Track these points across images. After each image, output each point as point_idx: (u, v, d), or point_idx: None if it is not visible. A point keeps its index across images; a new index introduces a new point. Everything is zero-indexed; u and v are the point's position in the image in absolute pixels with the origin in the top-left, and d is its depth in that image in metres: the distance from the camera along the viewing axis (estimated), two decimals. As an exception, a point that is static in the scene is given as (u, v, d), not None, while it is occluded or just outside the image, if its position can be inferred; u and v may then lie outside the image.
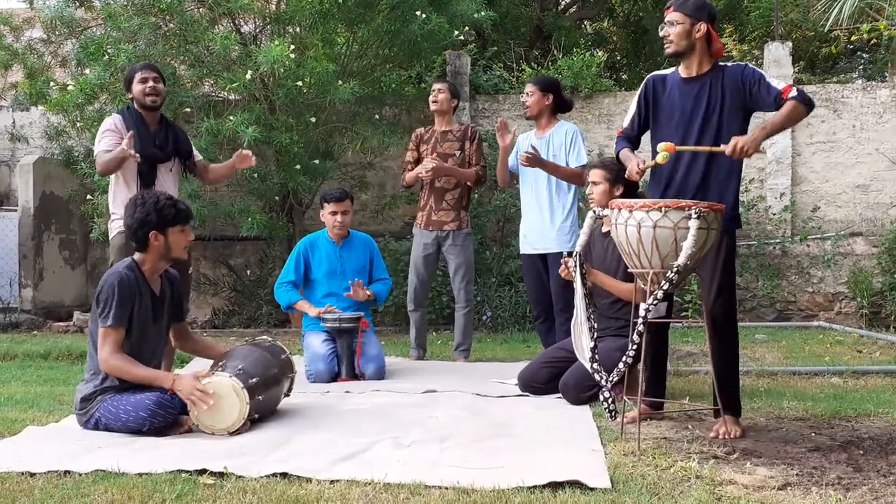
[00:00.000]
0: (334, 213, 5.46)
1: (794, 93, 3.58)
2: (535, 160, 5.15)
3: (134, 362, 3.68)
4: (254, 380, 3.72)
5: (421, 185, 5.98)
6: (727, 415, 3.67)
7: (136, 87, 4.73)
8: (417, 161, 5.92)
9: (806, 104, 3.57)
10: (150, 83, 4.74)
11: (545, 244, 5.36)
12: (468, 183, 5.88)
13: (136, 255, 3.84)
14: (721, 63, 3.79)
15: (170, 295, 3.96)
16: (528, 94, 5.44)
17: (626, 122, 4.02)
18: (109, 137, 4.67)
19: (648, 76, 3.98)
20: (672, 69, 3.92)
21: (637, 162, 3.77)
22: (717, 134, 3.70)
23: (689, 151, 3.72)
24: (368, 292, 5.45)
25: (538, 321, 5.57)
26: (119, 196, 4.70)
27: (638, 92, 3.98)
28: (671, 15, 3.76)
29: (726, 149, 3.53)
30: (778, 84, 3.64)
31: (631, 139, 4.00)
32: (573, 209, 5.39)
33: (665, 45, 3.80)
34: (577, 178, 5.26)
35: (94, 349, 3.74)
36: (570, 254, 4.05)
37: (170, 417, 3.63)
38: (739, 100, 3.70)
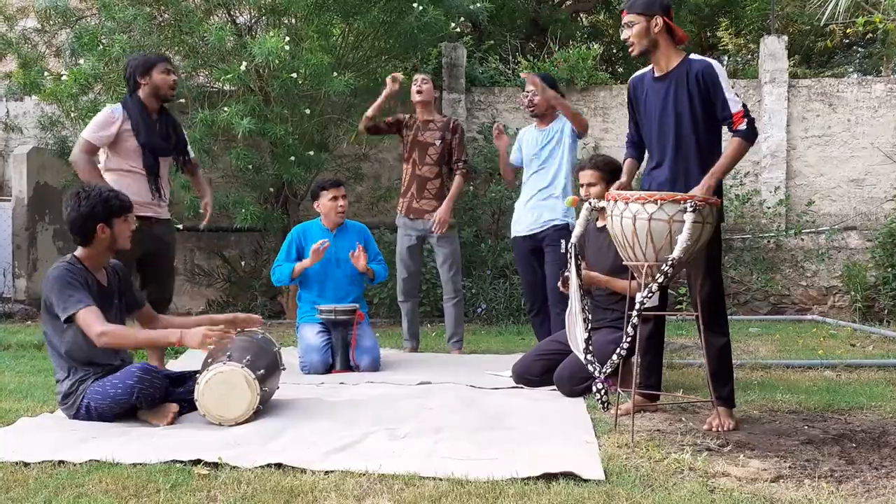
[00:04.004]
0: (335, 199, 5.46)
1: (743, 125, 3.62)
2: (543, 91, 5.24)
3: (129, 328, 3.65)
4: (261, 371, 3.75)
5: (404, 167, 5.99)
6: (721, 406, 3.69)
7: (160, 77, 4.72)
8: (393, 123, 5.98)
9: (750, 140, 3.65)
10: (174, 76, 4.81)
11: (538, 223, 5.41)
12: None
13: (78, 251, 3.81)
14: (691, 57, 3.77)
15: (118, 285, 3.93)
16: (535, 92, 5.44)
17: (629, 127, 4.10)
18: (105, 129, 4.63)
19: (630, 78, 4.02)
20: (650, 66, 3.93)
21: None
22: (689, 133, 3.72)
23: (663, 151, 3.76)
24: (369, 269, 5.44)
25: (531, 314, 5.64)
26: (129, 189, 4.66)
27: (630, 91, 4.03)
28: (626, 17, 3.79)
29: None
30: (733, 103, 3.65)
31: (635, 142, 4.06)
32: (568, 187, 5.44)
33: (629, 49, 3.83)
34: (576, 119, 5.33)
35: (56, 349, 3.73)
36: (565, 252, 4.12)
37: (157, 383, 3.62)
38: (702, 98, 3.70)
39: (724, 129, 3.75)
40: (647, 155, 4.01)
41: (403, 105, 6.17)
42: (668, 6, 3.79)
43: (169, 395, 3.76)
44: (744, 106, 3.67)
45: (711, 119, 3.73)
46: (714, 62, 3.75)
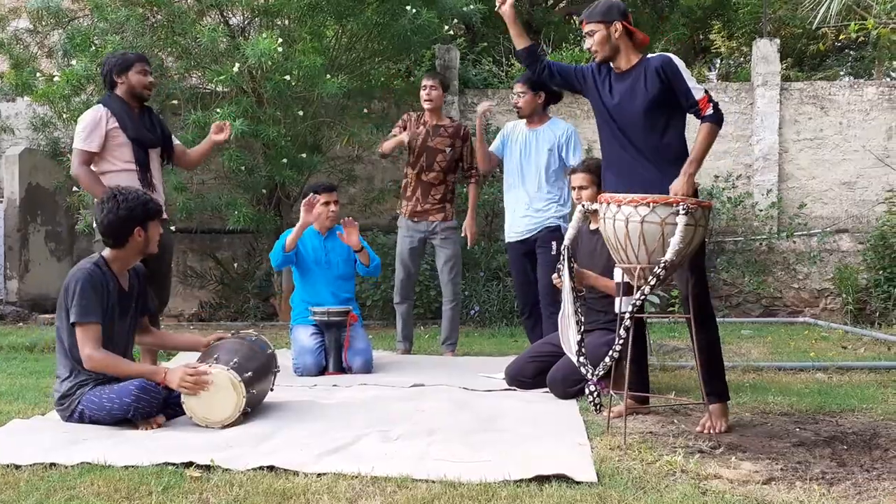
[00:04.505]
0: (327, 204, 5.46)
1: (709, 110, 3.68)
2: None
3: (119, 358, 3.66)
4: (248, 373, 3.73)
5: (409, 172, 5.95)
6: (714, 404, 3.69)
7: (135, 77, 4.70)
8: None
9: (719, 123, 3.71)
10: (150, 77, 4.79)
11: (531, 227, 5.40)
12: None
13: (106, 252, 3.79)
14: (648, 56, 3.83)
15: (137, 289, 3.93)
16: (519, 94, 5.42)
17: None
18: (94, 132, 4.60)
19: (595, 62, 3.99)
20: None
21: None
22: (650, 125, 3.74)
23: (633, 156, 3.78)
24: (362, 248, 5.42)
25: (523, 317, 5.65)
26: (113, 181, 4.67)
27: (587, 65, 4.05)
28: (586, 28, 3.84)
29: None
30: (696, 91, 3.70)
31: (546, 60, 4.08)
32: (564, 192, 5.41)
33: (594, 58, 3.87)
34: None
35: (64, 347, 3.71)
36: (557, 253, 4.12)
37: (154, 402, 3.61)
38: (664, 92, 3.73)
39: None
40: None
41: (413, 107, 6.15)
42: (626, 11, 3.85)
43: (168, 400, 3.74)
44: (706, 91, 3.73)
45: (673, 112, 3.77)
46: (671, 55, 3.81)
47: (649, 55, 3.84)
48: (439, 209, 5.88)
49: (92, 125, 4.62)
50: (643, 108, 3.74)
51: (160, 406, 3.66)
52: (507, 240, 5.63)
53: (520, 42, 4.08)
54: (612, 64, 3.88)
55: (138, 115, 4.75)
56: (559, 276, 4.06)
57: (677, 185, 3.60)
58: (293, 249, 5.35)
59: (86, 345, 3.61)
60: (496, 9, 4.12)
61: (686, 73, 3.73)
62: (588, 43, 3.85)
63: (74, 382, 3.67)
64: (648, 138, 3.76)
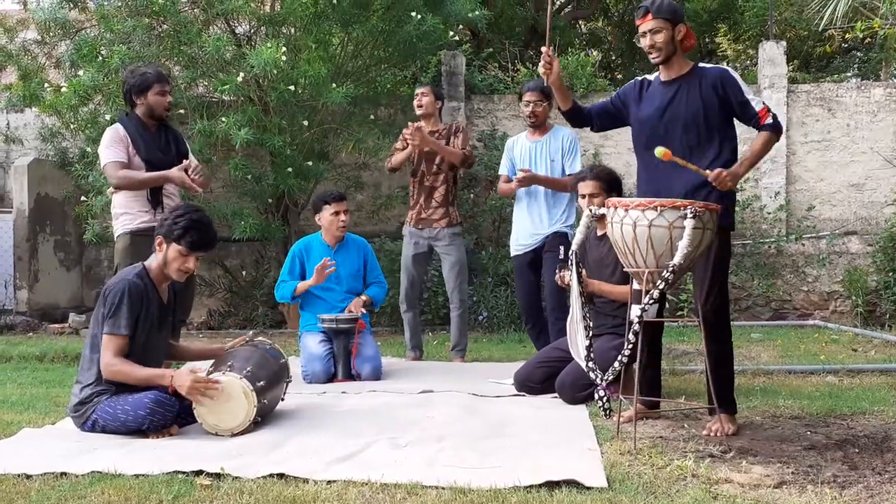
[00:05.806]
0: (337, 214, 5.47)
1: (769, 119, 3.68)
2: (529, 179, 5.28)
3: (134, 365, 3.67)
4: (261, 382, 3.73)
5: (411, 181, 5.98)
6: (722, 412, 3.68)
7: (155, 98, 4.73)
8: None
9: (777, 133, 3.70)
10: (169, 97, 4.80)
11: (538, 236, 5.43)
12: (454, 162, 5.80)
13: (148, 261, 3.85)
14: (701, 65, 3.82)
15: (174, 303, 3.98)
16: (536, 102, 5.43)
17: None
18: (118, 147, 4.66)
19: (637, 78, 4.01)
20: (656, 73, 3.93)
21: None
22: (699, 136, 3.72)
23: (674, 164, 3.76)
24: (364, 298, 5.46)
25: (528, 326, 5.69)
26: (124, 197, 4.70)
27: (622, 88, 4.05)
28: (651, 23, 3.72)
29: (710, 175, 3.58)
30: (756, 103, 3.71)
31: (594, 109, 4.11)
32: (571, 203, 5.42)
33: (652, 55, 3.77)
34: (564, 187, 5.31)
35: (94, 353, 3.71)
36: (565, 256, 4.11)
37: (169, 415, 3.62)
38: (719, 104, 3.72)
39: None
40: (642, 160, 3.98)
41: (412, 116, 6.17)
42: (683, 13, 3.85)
43: (180, 409, 3.73)
44: (765, 103, 3.74)
45: (721, 122, 3.75)
46: (728, 67, 3.81)
47: (703, 65, 3.82)
48: (442, 214, 5.87)
49: (114, 140, 4.68)
50: (693, 118, 3.71)
51: (174, 417, 3.67)
52: (513, 252, 5.64)
53: (564, 104, 4.07)
54: (660, 69, 3.84)
55: (154, 133, 4.78)
56: (561, 280, 4.06)
57: (730, 171, 3.57)
58: (300, 295, 5.46)
59: (107, 353, 3.64)
60: (545, 81, 4.07)
61: (744, 84, 3.72)
62: (648, 41, 3.73)
63: (95, 390, 3.68)
64: (695, 147, 3.72)
